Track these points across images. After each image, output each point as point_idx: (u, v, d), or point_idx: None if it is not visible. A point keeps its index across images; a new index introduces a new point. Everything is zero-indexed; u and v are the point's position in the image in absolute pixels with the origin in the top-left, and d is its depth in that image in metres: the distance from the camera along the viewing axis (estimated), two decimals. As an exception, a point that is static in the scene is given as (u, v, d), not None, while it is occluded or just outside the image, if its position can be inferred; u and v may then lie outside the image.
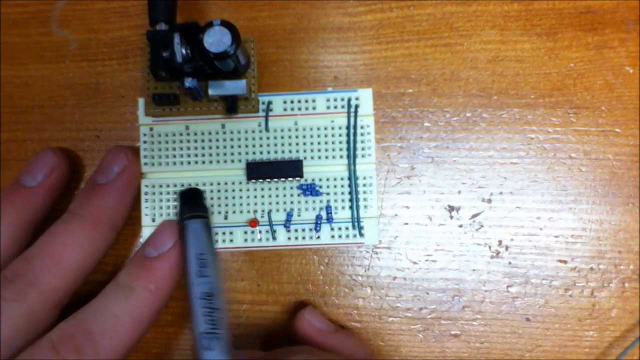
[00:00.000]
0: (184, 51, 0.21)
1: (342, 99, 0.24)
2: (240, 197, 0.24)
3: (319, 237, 0.24)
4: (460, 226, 0.25)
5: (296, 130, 0.24)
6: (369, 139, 0.24)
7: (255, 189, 0.24)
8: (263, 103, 0.24)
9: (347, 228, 0.24)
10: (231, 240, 0.24)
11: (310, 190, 0.24)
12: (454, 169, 0.25)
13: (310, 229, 0.24)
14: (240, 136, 0.24)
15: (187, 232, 0.22)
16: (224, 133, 0.24)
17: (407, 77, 0.25)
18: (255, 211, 0.24)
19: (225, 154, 0.24)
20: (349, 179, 0.24)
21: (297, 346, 0.22)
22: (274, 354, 0.22)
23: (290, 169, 0.24)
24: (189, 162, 0.24)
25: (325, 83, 0.25)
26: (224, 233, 0.24)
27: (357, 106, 0.24)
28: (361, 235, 0.24)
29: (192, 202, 0.23)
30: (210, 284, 0.21)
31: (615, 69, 0.25)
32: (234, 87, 0.23)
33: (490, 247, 0.25)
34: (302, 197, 0.24)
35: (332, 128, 0.24)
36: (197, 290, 0.21)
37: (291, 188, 0.24)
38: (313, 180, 0.24)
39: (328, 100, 0.24)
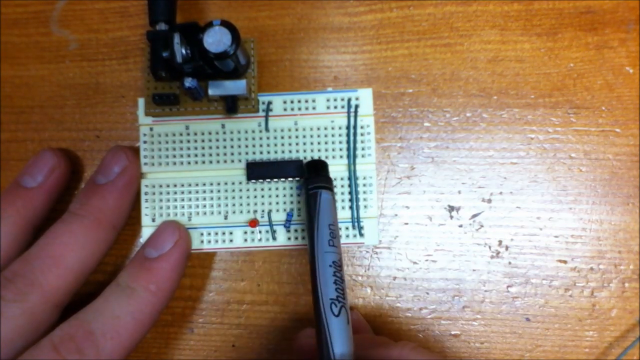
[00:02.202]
0: (184, 51, 0.21)
1: (342, 99, 0.24)
2: (240, 197, 0.24)
3: (319, 237, 0.24)
4: (460, 226, 0.25)
5: (296, 130, 0.24)
6: (369, 139, 0.24)
7: (255, 189, 0.24)
8: (263, 103, 0.24)
9: (347, 228, 0.24)
10: (231, 240, 0.24)
11: (310, 190, 0.24)
12: (454, 169, 0.25)
13: (311, 229, 0.24)
14: (240, 136, 0.24)
15: (318, 202, 0.22)
16: (224, 133, 0.24)
17: (407, 77, 0.25)
18: (255, 211, 0.24)
19: (225, 154, 0.24)
20: (349, 179, 0.24)
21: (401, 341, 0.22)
22: (377, 341, 0.22)
23: (290, 169, 0.24)
24: (189, 162, 0.24)
25: (325, 83, 0.25)
26: (224, 233, 0.24)
27: (357, 106, 0.24)
28: (361, 235, 0.24)
29: (320, 172, 0.23)
30: (339, 254, 0.21)
31: (615, 69, 0.25)
32: (234, 87, 0.23)
33: (490, 247, 0.25)
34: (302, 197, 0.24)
35: (332, 128, 0.24)
36: (328, 258, 0.21)
37: (291, 188, 0.24)
38: (313, 180, 0.24)
39: (328, 100, 0.24)
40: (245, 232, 0.24)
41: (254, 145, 0.24)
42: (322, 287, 0.20)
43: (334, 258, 0.21)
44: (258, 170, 0.24)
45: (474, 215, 0.25)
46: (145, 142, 0.24)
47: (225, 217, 0.24)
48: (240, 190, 0.24)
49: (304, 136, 0.24)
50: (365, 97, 0.25)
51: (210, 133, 0.24)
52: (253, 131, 0.24)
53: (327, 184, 0.22)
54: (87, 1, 0.25)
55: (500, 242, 0.25)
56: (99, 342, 0.20)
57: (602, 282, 0.24)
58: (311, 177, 0.23)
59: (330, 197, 0.22)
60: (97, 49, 0.25)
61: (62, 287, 0.21)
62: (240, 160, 0.24)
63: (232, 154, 0.24)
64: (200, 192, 0.24)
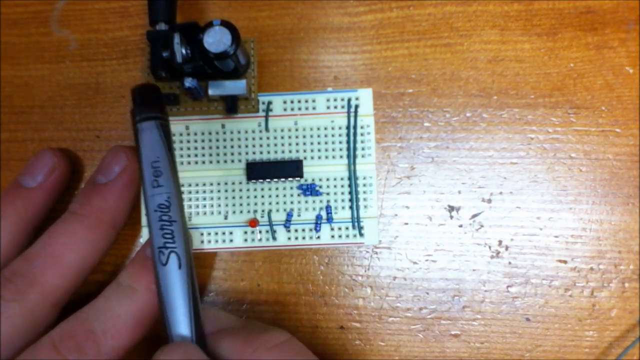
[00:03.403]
0: (184, 51, 0.21)
1: (342, 99, 0.24)
2: (240, 197, 0.24)
3: (319, 237, 0.24)
4: (460, 226, 0.25)
5: (296, 130, 0.24)
6: (369, 139, 0.24)
7: (255, 189, 0.24)
8: (263, 103, 0.24)
9: (347, 228, 0.24)
10: (231, 240, 0.24)
11: (310, 190, 0.24)
12: (454, 169, 0.25)
13: (310, 229, 0.24)
14: (240, 136, 0.24)
15: (139, 137, 0.19)
16: (224, 133, 0.24)
17: (407, 77, 0.25)
18: (255, 211, 0.24)
19: (225, 154, 0.24)
20: (349, 179, 0.24)
21: (274, 328, 0.21)
22: (248, 329, 0.21)
23: (290, 169, 0.24)
24: (189, 162, 0.24)
25: (325, 83, 0.25)
26: (224, 233, 0.24)
27: (357, 106, 0.24)
28: (361, 235, 0.24)
29: (145, 101, 0.20)
30: (165, 194, 0.19)
31: (615, 69, 0.25)
32: (234, 87, 0.23)
33: (490, 247, 0.25)
34: (302, 197, 0.24)
35: (332, 128, 0.24)
36: (153, 202, 0.19)
37: (291, 188, 0.24)
38: (313, 180, 0.24)
39: (328, 100, 0.24)
40: (245, 232, 0.24)
41: (254, 145, 0.24)
42: (150, 236, 0.18)
43: (159, 200, 0.19)
44: (258, 170, 0.24)
45: (474, 215, 0.25)
46: (145, 142, 0.24)
47: (225, 217, 0.24)
48: (240, 190, 0.24)
49: (304, 136, 0.24)
50: (365, 97, 0.25)
51: (210, 133, 0.24)
52: (253, 131, 0.24)
53: (153, 112, 0.20)
54: (87, 1, 0.25)
55: (500, 242, 0.25)
56: (100, 341, 0.20)
57: (602, 282, 0.24)
58: (135, 107, 0.20)
59: (153, 127, 0.19)
60: (97, 49, 0.25)
61: (62, 287, 0.21)
62: (240, 160, 0.24)
63: (232, 154, 0.24)
64: (200, 192, 0.24)
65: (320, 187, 0.24)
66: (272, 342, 0.19)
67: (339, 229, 0.24)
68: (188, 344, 0.19)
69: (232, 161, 0.24)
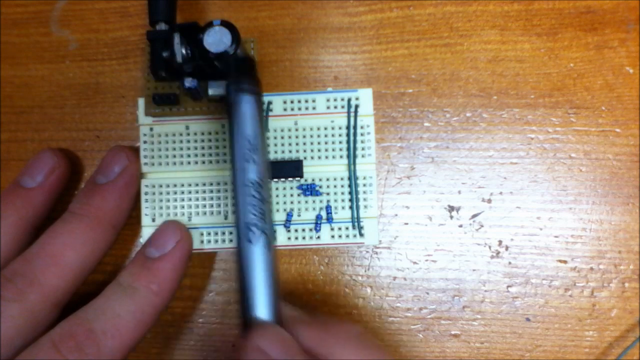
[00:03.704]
0: (184, 51, 0.21)
1: (342, 99, 0.24)
2: (241, 197, 0.24)
3: (319, 237, 0.24)
4: (460, 226, 0.25)
5: (296, 130, 0.24)
6: (369, 139, 0.24)
7: (255, 189, 0.24)
8: (263, 103, 0.24)
9: (347, 228, 0.24)
10: (231, 240, 0.24)
11: (310, 190, 0.24)
12: (454, 169, 0.25)
13: (310, 229, 0.24)
14: (240, 136, 0.24)
15: (237, 107, 0.19)
16: (224, 133, 0.24)
17: (407, 77, 0.25)
18: (256, 211, 0.24)
19: (225, 154, 0.24)
20: (349, 179, 0.24)
21: (346, 320, 0.20)
22: (321, 320, 0.20)
23: (290, 169, 0.24)
24: (189, 162, 0.24)
25: (325, 83, 0.25)
26: (223, 233, 0.24)
27: (357, 106, 0.24)
28: (361, 235, 0.24)
29: (246, 71, 0.20)
30: (259, 172, 0.18)
31: (615, 69, 0.25)
32: (234, 87, 0.23)
33: (490, 247, 0.25)
34: (302, 197, 0.24)
35: (332, 128, 0.24)
36: (244, 177, 0.18)
37: (291, 188, 0.24)
38: (313, 180, 0.24)
39: (328, 100, 0.24)
40: (245, 232, 0.24)
41: (254, 145, 0.24)
42: (238, 210, 0.18)
43: (253, 176, 0.18)
44: (258, 170, 0.24)
45: (474, 215, 0.25)
46: (145, 142, 0.24)
47: (225, 217, 0.24)
48: (240, 190, 0.24)
49: (304, 136, 0.24)
50: (365, 97, 0.25)
51: (210, 133, 0.24)
52: (253, 131, 0.24)
53: (252, 85, 0.19)
54: (87, 1, 0.25)
55: (500, 242, 0.25)
56: (100, 340, 0.20)
57: (602, 282, 0.24)
58: (233, 76, 0.19)
59: (253, 101, 0.19)
60: (97, 49, 0.25)
61: (62, 286, 0.21)
62: (240, 160, 0.24)
63: (232, 154, 0.24)
64: (200, 192, 0.24)
65: (320, 187, 0.24)
66: (350, 332, 0.19)
67: (339, 229, 0.24)
68: (277, 327, 0.18)
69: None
